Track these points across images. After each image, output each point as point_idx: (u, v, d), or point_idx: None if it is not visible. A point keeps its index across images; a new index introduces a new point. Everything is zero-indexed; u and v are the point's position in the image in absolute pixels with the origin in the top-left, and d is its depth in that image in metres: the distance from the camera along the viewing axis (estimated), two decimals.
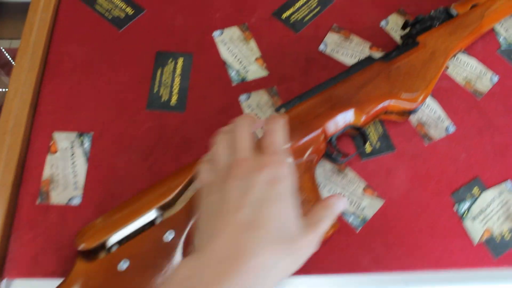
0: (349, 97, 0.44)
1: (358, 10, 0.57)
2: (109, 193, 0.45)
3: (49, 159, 0.46)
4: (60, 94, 0.50)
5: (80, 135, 0.47)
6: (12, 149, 0.45)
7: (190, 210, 0.38)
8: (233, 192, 0.28)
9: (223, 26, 0.54)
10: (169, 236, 0.36)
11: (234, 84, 0.50)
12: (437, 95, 0.52)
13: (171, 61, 0.51)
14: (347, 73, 0.46)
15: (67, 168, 0.46)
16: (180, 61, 0.51)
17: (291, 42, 0.53)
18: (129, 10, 0.54)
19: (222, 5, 0.55)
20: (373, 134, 0.49)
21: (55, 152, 0.47)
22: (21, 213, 0.44)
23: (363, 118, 0.45)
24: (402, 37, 0.53)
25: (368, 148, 0.48)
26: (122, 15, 0.54)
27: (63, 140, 0.47)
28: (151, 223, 0.38)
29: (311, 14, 0.55)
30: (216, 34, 0.53)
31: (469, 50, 0.56)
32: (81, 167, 0.46)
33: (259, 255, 0.26)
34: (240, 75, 0.50)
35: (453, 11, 0.52)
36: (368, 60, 0.47)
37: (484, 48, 0.56)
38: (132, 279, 0.34)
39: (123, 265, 0.35)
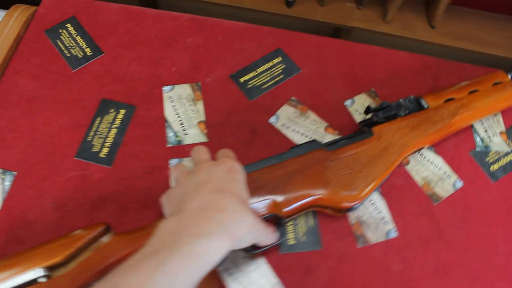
0: (275, 185, 0.46)
1: (324, 84, 0.60)
2: (14, 236, 0.49)
3: None
4: None
5: (4, 172, 0.52)
6: None
7: (77, 274, 0.40)
8: (200, 176, 0.40)
9: (176, 81, 0.58)
10: None
11: (168, 145, 0.54)
12: (388, 192, 0.54)
13: (113, 111, 0.55)
14: (281, 156, 0.47)
15: None
16: (122, 113, 0.55)
17: (241, 109, 0.56)
18: (88, 51, 0.60)
19: (181, 59, 0.60)
20: (302, 225, 0.50)
21: None
22: None
23: (286, 209, 0.46)
24: (360, 123, 0.55)
25: (291, 240, 0.49)
26: (80, 55, 0.60)
27: None
28: (34, 281, 0.40)
29: (271, 82, 0.59)
30: (166, 89, 0.57)
31: (438, 147, 0.57)
32: None
33: (230, 206, 0.38)
34: (178, 137, 0.54)
35: (424, 102, 0.53)
36: (311, 145, 0.49)
37: (456, 146, 0.57)
38: None
39: None
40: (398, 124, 0.52)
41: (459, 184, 0.55)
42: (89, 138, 0.54)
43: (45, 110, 0.57)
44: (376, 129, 0.51)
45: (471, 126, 0.59)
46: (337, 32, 1.03)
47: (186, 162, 0.53)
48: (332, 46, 0.62)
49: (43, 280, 0.40)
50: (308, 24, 0.94)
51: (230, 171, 0.41)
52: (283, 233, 0.47)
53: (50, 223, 0.50)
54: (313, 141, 0.49)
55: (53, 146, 0.54)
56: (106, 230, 0.43)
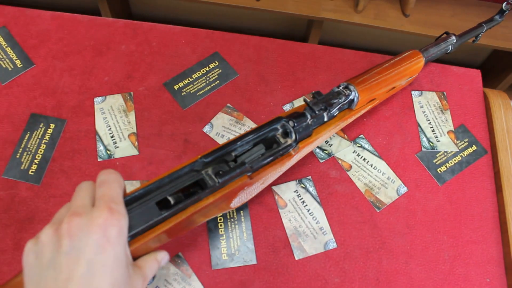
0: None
1: (263, 89, 0.64)
2: None
3: None
4: None
5: None
6: None
7: None
8: (60, 260, 0.34)
9: (108, 92, 0.62)
10: None
11: (99, 160, 0.58)
12: (327, 201, 0.57)
13: (42, 126, 0.60)
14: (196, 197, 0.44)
15: None
16: (51, 127, 0.60)
17: (174, 119, 0.61)
18: (18, 63, 0.65)
19: (114, 68, 0.64)
20: (235, 239, 0.55)
21: None
22: None
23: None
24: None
25: (224, 255, 0.54)
26: (10, 67, 0.65)
27: None
28: None
29: (207, 88, 0.63)
30: (97, 100, 0.62)
31: (382, 150, 0.60)
32: None
33: None
34: (108, 151, 0.59)
35: (355, 98, 0.54)
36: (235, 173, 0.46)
37: (401, 149, 0.61)
38: None
39: None
40: (321, 133, 0.53)
41: (403, 189, 0.59)
42: (18, 155, 0.59)
43: None
44: (302, 144, 0.50)
45: (418, 126, 0.62)
46: (309, 24, 1.07)
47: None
48: (273, 47, 0.66)
49: None
50: (279, 18, 0.97)
51: (107, 244, 0.35)
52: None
53: None
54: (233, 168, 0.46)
55: None
56: None
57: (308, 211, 0.57)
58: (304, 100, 0.51)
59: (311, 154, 0.60)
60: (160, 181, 0.43)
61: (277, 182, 0.58)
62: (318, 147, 0.61)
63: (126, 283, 0.36)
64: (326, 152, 0.60)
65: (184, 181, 0.43)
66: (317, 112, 0.50)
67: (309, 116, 0.49)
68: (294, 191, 0.58)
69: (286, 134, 0.49)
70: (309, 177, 0.59)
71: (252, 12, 0.99)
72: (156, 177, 0.43)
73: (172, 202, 0.42)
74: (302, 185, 0.58)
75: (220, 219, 0.56)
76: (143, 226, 0.40)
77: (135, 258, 0.41)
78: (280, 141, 0.49)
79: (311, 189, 0.58)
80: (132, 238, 0.39)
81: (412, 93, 0.65)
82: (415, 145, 0.61)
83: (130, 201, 0.41)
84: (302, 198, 0.58)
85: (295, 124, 0.48)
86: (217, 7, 1.01)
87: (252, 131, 0.47)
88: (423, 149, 0.61)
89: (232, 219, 0.56)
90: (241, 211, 0.56)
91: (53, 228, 0.36)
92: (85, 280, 0.33)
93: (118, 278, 0.35)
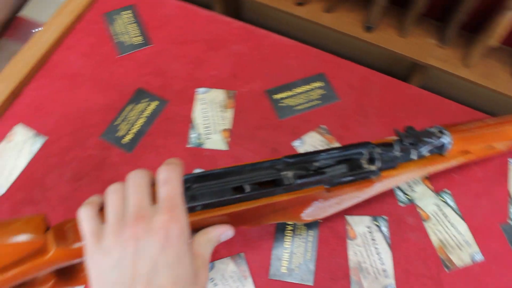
0: (242, 219, 0.49)
1: (360, 119, 0.67)
2: (29, 197, 0.62)
3: (2, 148, 0.66)
4: (41, 94, 0.70)
5: (36, 135, 0.66)
6: None
7: (4, 284, 0.43)
8: (126, 260, 0.37)
9: (212, 85, 0.69)
10: None
11: (188, 146, 0.64)
12: (397, 245, 0.60)
13: (145, 102, 0.67)
14: (270, 192, 0.49)
15: (10, 159, 0.64)
16: (153, 105, 0.67)
17: (268, 126, 0.66)
18: (138, 40, 0.73)
19: (222, 65, 0.71)
20: (298, 256, 0.58)
21: (10, 141, 0.65)
22: None
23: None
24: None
25: (284, 268, 0.57)
26: (130, 42, 0.73)
27: (19, 133, 0.66)
28: None
29: (305, 105, 0.68)
30: (200, 90, 0.68)
31: (465, 210, 0.62)
32: (21, 162, 0.64)
33: None
34: (200, 139, 0.64)
35: (447, 142, 0.56)
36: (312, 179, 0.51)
37: (486, 214, 0.62)
38: None
39: None
40: (407, 169, 0.56)
41: (479, 257, 0.60)
42: (117, 122, 0.67)
43: (85, 87, 0.70)
44: (385, 174, 0.53)
45: (508, 196, 0.63)
46: (413, 66, 1.10)
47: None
48: (378, 81, 0.70)
49: None
50: (384, 53, 1.01)
51: (168, 244, 0.38)
52: None
53: (63, 192, 0.62)
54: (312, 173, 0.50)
55: (84, 122, 0.67)
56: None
57: (376, 249, 0.59)
58: (395, 131, 0.54)
59: (392, 194, 0.63)
60: (241, 167, 0.47)
61: (352, 212, 0.61)
62: (400, 189, 0.63)
63: (190, 278, 0.40)
64: (408, 197, 0.63)
65: (263, 175, 0.47)
66: (406, 145, 0.53)
67: (397, 148, 0.52)
68: (367, 226, 0.61)
69: (371, 161, 0.52)
70: (385, 217, 0.61)
71: (359, 42, 1.04)
72: (238, 164, 0.47)
73: (247, 190, 0.46)
74: (376, 222, 0.61)
75: (289, 233, 0.60)
76: (214, 200, 0.44)
77: (197, 230, 0.44)
78: (364, 165, 0.51)
79: (384, 229, 0.61)
80: (203, 208, 0.44)
81: (509, 160, 0.67)
82: (501, 215, 0.62)
83: (209, 177, 0.45)
84: (373, 236, 0.60)
85: (382, 152, 0.51)
86: (326, 30, 1.06)
87: (339, 148, 0.50)
88: (510, 222, 0.62)
89: (300, 236, 0.60)
90: (311, 231, 0.60)
91: (115, 230, 0.39)
92: (150, 278, 0.37)
93: (180, 275, 0.39)
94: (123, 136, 0.66)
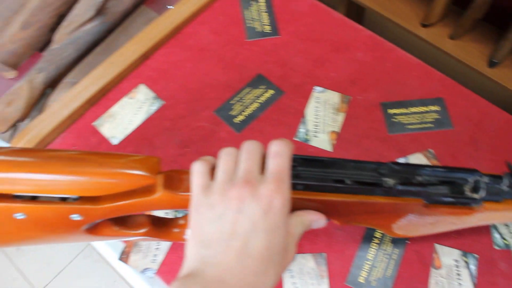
0: (337, 212, 0.51)
1: (471, 152, 0.67)
2: (137, 151, 0.69)
3: (123, 102, 0.72)
4: (168, 60, 0.76)
5: (155, 98, 0.72)
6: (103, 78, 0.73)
7: (108, 212, 0.47)
8: (228, 217, 0.41)
9: (328, 86, 0.72)
10: (76, 217, 0.46)
11: (295, 139, 0.67)
12: (484, 277, 0.59)
13: (263, 88, 0.72)
14: (369, 189, 0.50)
15: (127, 114, 0.71)
16: (270, 92, 0.71)
17: (376, 138, 0.68)
18: (267, 28, 0.78)
19: (343, 69, 0.73)
20: (379, 270, 0.59)
21: (132, 98, 0.72)
22: None
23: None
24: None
25: (361, 278, 0.59)
26: (259, 29, 0.77)
27: (141, 92, 0.73)
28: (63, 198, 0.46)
29: (417, 126, 0.68)
30: (317, 89, 0.71)
31: None
32: (138, 119, 0.71)
33: (251, 280, 0.40)
34: (307, 136, 0.67)
35: None
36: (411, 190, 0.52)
37: None
38: (28, 228, 0.46)
39: (20, 216, 0.45)
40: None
41: None
42: (232, 101, 0.71)
43: (209, 62, 0.76)
44: (488, 205, 0.52)
45: None
46: None
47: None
48: (499, 117, 0.69)
49: (72, 200, 0.46)
50: (504, 92, 0.98)
51: (269, 211, 0.41)
52: None
53: (169, 155, 0.68)
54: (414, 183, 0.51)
55: (202, 95, 0.72)
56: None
57: (460, 286, 0.59)
58: (507, 164, 0.53)
59: (487, 233, 0.62)
60: (346, 162, 0.48)
61: (442, 241, 0.61)
62: (498, 232, 0.62)
63: (281, 250, 0.43)
64: (505, 241, 0.62)
65: (365, 176, 0.48)
66: None
67: (506, 182, 0.51)
68: (455, 260, 0.61)
69: (475, 189, 0.51)
70: (476, 255, 0.61)
71: (479, 75, 1.02)
72: (343, 157, 0.49)
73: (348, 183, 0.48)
74: (465, 258, 0.61)
75: (374, 245, 0.61)
76: (316, 183, 0.46)
77: (293, 210, 0.46)
78: (466, 192, 0.51)
79: (472, 267, 0.60)
80: (303, 189, 0.46)
81: None
82: None
83: (314, 163, 0.47)
84: (459, 271, 0.60)
85: (489, 183, 0.50)
86: (445, 56, 1.04)
87: (444, 168, 0.50)
88: None
89: (384, 251, 0.61)
90: (396, 249, 0.61)
91: (223, 188, 0.42)
92: (247, 237, 0.40)
93: (273, 243, 0.42)
94: (235, 116, 0.70)
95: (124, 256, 0.63)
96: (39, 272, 1.53)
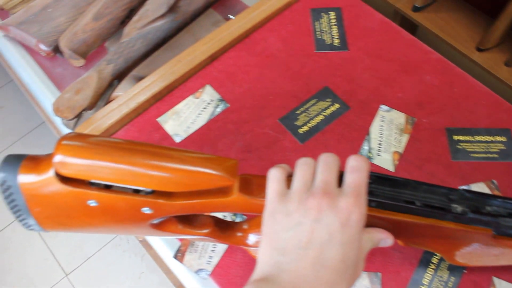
0: (406, 233, 0.52)
1: None
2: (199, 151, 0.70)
3: (189, 100, 0.74)
4: (235, 64, 0.79)
5: (221, 100, 0.74)
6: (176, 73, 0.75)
7: (180, 209, 0.48)
8: (306, 225, 0.42)
9: (394, 106, 0.73)
10: (147, 211, 0.47)
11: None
12: None
13: (329, 101, 0.73)
14: (441, 214, 0.51)
15: (192, 113, 0.73)
16: (335, 106, 0.73)
17: (439, 163, 0.69)
18: (336, 42, 0.79)
19: (410, 90, 0.75)
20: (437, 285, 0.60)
21: (197, 98, 0.74)
22: None
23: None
24: None
25: (425, 286, 0.60)
26: (328, 41, 0.79)
27: (207, 93, 0.75)
28: (137, 190, 0.47)
29: (482, 155, 0.70)
30: (383, 108, 0.72)
31: None
32: (201, 119, 0.72)
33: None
34: (370, 153, 0.69)
35: None
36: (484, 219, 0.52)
37: None
38: (97, 215, 0.47)
39: (93, 203, 0.46)
40: None
41: None
42: (298, 112, 0.73)
43: (276, 70, 0.77)
44: None
45: None
46: None
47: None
48: None
49: (145, 194, 0.47)
50: None
51: (346, 225, 0.42)
52: None
53: (233, 155, 0.69)
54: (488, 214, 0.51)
55: (267, 102, 0.74)
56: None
57: None
58: None
59: None
60: (418, 184, 0.49)
61: (502, 275, 0.62)
62: None
63: (354, 263, 0.44)
64: None
65: (435, 200, 0.49)
66: None
67: None
68: None
69: None
70: None
71: None
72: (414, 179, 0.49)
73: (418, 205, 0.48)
74: None
75: (430, 270, 0.62)
76: (389, 201, 0.47)
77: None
78: None
79: None
80: (376, 206, 0.47)
81: None
82: None
83: (387, 182, 0.48)
84: None
85: None
86: (499, 84, 1.04)
87: None
88: None
89: (440, 278, 0.62)
90: (452, 277, 0.62)
91: (300, 197, 0.43)
92: (323, 247, 0.41)
93: (348, 256, 0.43)
94: (300, 126, 0.72)
95: (179, 255, 0.65)
96: (69, 255, 1.58)
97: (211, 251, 0.65)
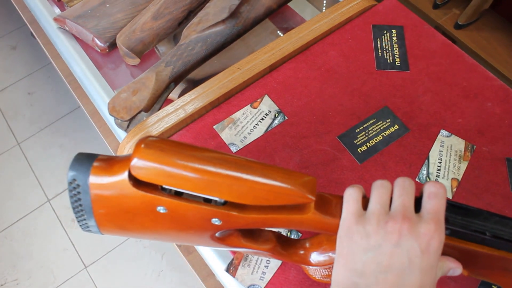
0: (470, 262, 0.52)
1: None
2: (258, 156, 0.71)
3: (246, 110, 0.75)
4: (295, 76, 0.80)
5: (279, 112, 0.75)
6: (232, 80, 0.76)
7: (251, 222, 0.48)
8: (386, 249, 0.43)
9: (454, 132, 0.74)
10: (216, 221, 0.47)
11: (416, 179, 0.70)
12: None
13: (388, 122, 0.75)
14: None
15: (249, 123, 0.74)
16: (395, 127, 0.75)
17: (498, 194, 0.70)
18: (397, 61, 0.80)
19: (471, 116, 0.76)
20: None
21: (255, 108, 0.75)
22: None
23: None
24: None
25: None
26: (390, 60, 0.80)
27: (265, 104, 0.76)
28: (208, 200, 0.47)
29: None
30: (443, 133, 0.74)
31: None
32: (259, 130, 0.73)
33: None
34: (428, 178, 0.70)
35: None
36: None
37: None
38: (163, 222, 0.48)
39: (162, 209, 0.46)
40: None
41: None
42: (357, 130, 0.74)
43: (336, 85, 0.78)
44: None
45: None
46: None
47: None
48: None
49: (216, 204, 0.47)
50: None
51: (426, 251, 0.42)
52: None
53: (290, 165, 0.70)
54: None
55: (326, 118, 0.75)
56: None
57: None
58: None
59: None
60: (490, 215, 0.50)
61: None
62: None
63: None
64: None
65: (506, 233, 0.49)
66: None
67: None
68: None
69: None
70: None
71: None
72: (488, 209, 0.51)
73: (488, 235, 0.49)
74: None
75: None
76: (463, 230, 0.48)
77: None
78: None
79: None
80: (450, 234, 0.47)
81: None
82: None
83: (458, 210, 0.48)
84: None
85: None
86: None
87: None
88: None
89: None
90: None
91: (379, 220, 0.44)
92: (402, 273, 0.42)
93: (425, 283, 0.44)
94: (359, 145, 0.73)
95: (232, 268, 0.66)
96: (90, 247, 1.60)
97: (265, 267, 0.66)
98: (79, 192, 0.47)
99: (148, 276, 1.55)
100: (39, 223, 1.66)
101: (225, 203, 0.47)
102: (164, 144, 0.46)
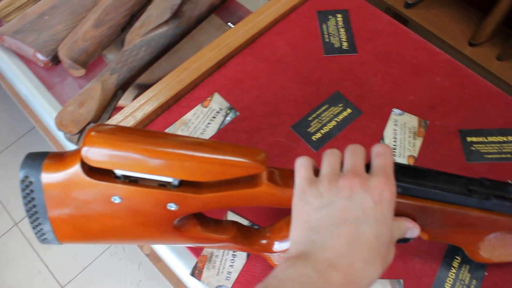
0: (430, 223, 0.54)
1: None
2: None
3: (197, 110, 0.75)
4: (243, 70, 0.80)
5: (230, 108, 0.75)
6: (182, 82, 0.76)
7: (207, 203, 0.49)
8: (339, 204, 0.44)
9: (406, 109, 0.75)
10: (173, 206, 0.48)
11: None
12: None
13: (341, 106, 0.75)
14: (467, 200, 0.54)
15: (201, 123, 0.74)
16: (347, 112, 0.75)
17: (453, 166, 0.72)
18: (345, 45, 0.81)
19: (421, 93, 0.77)
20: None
21: (205, 107, 0.75)
22: None
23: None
24: None
25: (448, 284, 0.62)
26: (337, 45, 0.81)
27: (215, 102, 0.76)
28: (162, 184, 0.48)
29: (496, 156, 0.72)
30: (396, 111, 0.75)
31: None
32: (211, 129, 0.73)
33: (359, 268, 0.42)
34: None
35: None
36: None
37: None
38: (120, 215, 0.48)
39: (117, 199, 0.47)
40: None
41: None
42: (310, 118, 0.75)
43: (285, 75, 0.79)
44: None
45: None
46: None
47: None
48: None
49: (171, 187, 0.48)
50: None
51: (379, 202, 0.44)
52: None
53: None
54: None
55: (278, 109, 0.76)
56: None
57: None
58: None
59: None
60: (438, 174, 0.52)
61: None
62: None
63: (387, 242, 0.46)
64: None
65: (456, 191, 0.51)
66: None
67: None
68: None
69: None
70: None
71: None
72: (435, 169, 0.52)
73: None
74: None
75: (452, 274, 0.64)
76: (414, 186, 0.50)
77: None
78: None
79: None
80: (401, 192, 0.49)
81: None
82: None
83: (408, 171, 0.51)
84: None
85: None
86: (491, 77, 1.07)
87: None
88: None
89: (462, 281, 0.64)
90: (474, 280, 0.64)
91: (331, 180, 0.46)
92: (357, 224, 0.44)
93: (382, 233, 0.44)
94: (313, 133, 0.73)
95: (196, 272, 0.66)
96: (64, 266, 1.58)
97: (230, 266, 0.66)
98: (32, 191, 0.47)
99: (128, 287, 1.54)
100: (9, 248, 1.63)
101: (179, 185, 0.47)
102: (113, 129, 0.46)
